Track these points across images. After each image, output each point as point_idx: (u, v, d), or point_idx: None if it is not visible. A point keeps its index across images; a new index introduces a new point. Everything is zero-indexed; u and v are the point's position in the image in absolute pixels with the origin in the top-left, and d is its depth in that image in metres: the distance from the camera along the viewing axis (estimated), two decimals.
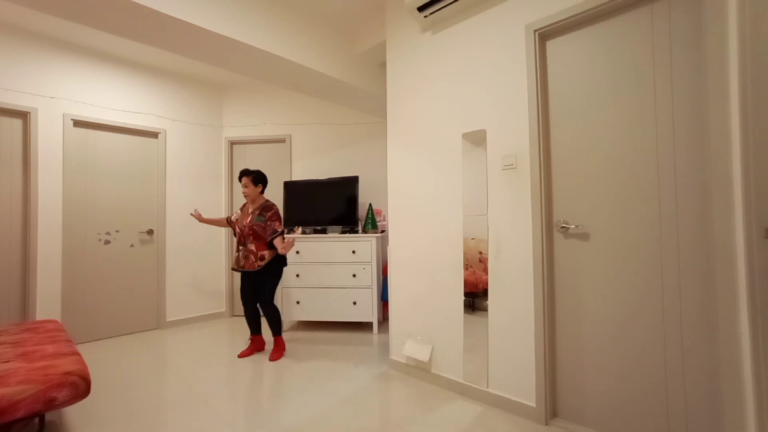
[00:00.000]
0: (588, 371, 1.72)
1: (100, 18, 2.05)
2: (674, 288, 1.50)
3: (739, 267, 1.32)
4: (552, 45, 1.86)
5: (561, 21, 1.76)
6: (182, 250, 3.77)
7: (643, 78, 1.59)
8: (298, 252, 3.43)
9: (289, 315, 3.43)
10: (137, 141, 3.54)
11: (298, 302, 3.41)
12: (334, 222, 3.60)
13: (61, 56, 3.11)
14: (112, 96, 3.37)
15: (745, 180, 1.30)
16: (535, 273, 1.83)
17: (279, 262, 2.84)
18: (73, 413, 1.96)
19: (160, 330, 3.55)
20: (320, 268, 3.39)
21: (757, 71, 1.29)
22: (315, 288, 3.39)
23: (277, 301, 3.45)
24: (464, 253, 2.13)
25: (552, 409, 1.82)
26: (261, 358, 2.74)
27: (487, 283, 2.03)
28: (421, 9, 2.17)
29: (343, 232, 3.49)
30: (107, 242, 3.34)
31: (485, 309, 2.03)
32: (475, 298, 2.08)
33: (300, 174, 4.03)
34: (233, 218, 2.94)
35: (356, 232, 3.52)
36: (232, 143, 4.15)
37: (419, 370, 2.34)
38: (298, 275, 3.42)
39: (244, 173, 2.83)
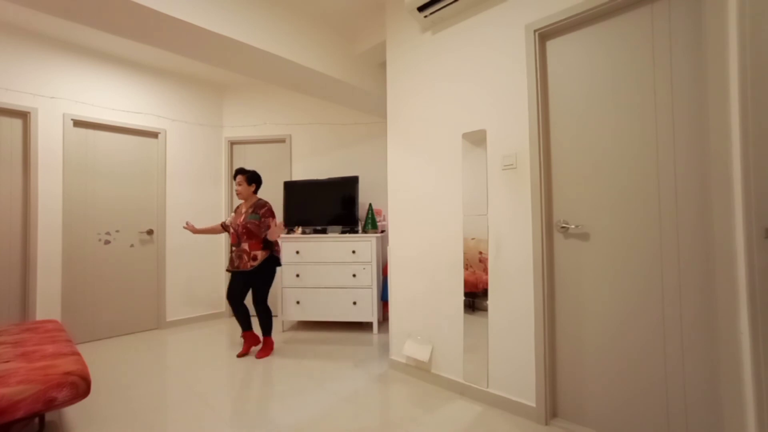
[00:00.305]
0: (588, 371, 1.72)
1: (100, 18, 2.05)
2: (674, 288, 1.50)
3: (739, 267, 1.32)
4: (552, 45, 1.86)
5: (561, 21, 1.76)
6: (182, 250, 3.77)
7: (643, 78, 1.59)
8: (298, 252, 3.43)
9: (289, 315, 3.43)
10: (137, 141, 3.54)
11: (298, 302, 3.41)
12: (334, 222, 3.60)
13: (61, 56, 3.11)
14: (112, 96, 3.37)
15: (745, 180, 1.30)
16: (535, 273, 1.83)
17: (272, 262, 2.85)
18: (73, 413, 1.96)
19: (160, 330, 3.55)
20: (320, 268, 3.39)
21: (757, 71, 1.29)
22: (315, 288, 3.39)
23: (277, 301, 3.45)
24: (464, 253, 2.13)
25: (552, 409, 1.82)
26: (261, 359, 2.74)
27: (487, 283, 2.03)
28: (421, 9, 2.17)
29: (343, 232, 3.49)
30: (107, 242, 3.33)
31: (485, 309, 2.03)
32: (475, 298, 2.08)
33: (300, 174, 4.03)
34: (228, 221, 2.95)
35: (356, 232, 3.52)
36: (232, 143, 4.15)
37: (419, 370, 2.34)
38: (298, 275, 3.42)
39: (240, 171, 2.86)
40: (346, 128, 3.98)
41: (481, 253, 2.06)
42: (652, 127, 1.56)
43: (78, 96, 3.18)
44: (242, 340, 2.97)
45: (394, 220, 2.56)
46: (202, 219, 3.93)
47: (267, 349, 2.83)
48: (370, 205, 3.56)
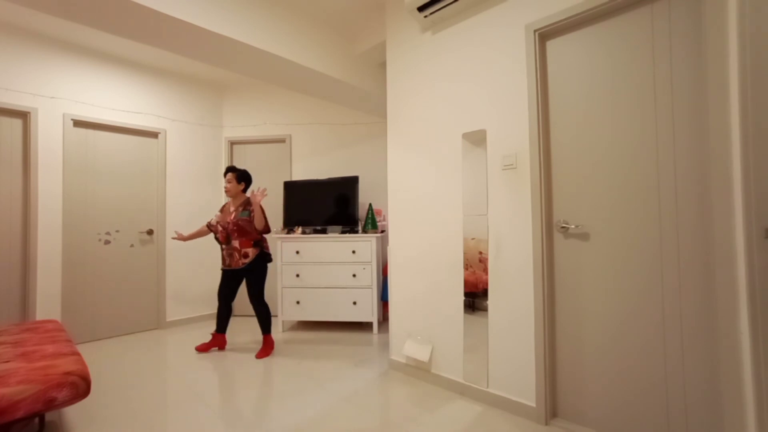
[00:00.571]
0: (588, 371, 1.72)
1: (100, 18, 2.04)
2: (674, 288, 1.50)
3: (739, 267, 1.32)
4: (552, 45, 1.86)
5: (561, 21, 1.75)
6: (182, 250, 3.77)
7: (643, 78, 1.59)
8: (298, 252, 3.43)
9: (289, 315, 3.43)
10: (137, 141, 3.54)
11: (298, 302, 3.41)
12: (334, 222, 3.60)
13: (61, 56, 3.11)
14: (112, 96, 3.37)
15: (745, 180, 1.30)
16: (535, 273, 1.83)
17: (263, 258, 2.86)
18: (73, 413, 1.96)
19: (160, 330, 3.55)
20: (320, 268, 3.39)
21: (757, 71, 1.29)
22: (315, 288, 3.39)
23: (277, 301, 3.45)
24: (464, 253, 2.13)
25: (552, 409, 1.82)
26: (261, 359, 2.74)
27: (487, 283, 2.03)
28: (421, 9, 2.17)
29: (343, 232, 3.49)
30: (107, 242, 3.33)
31: (485, 309, 2.03)
32: (475, 298, 2.08)
33: (300, 174, 4.03)
34: (213, 222, 2.95)
35: (356, 232, 3.52)
36: (232, 143, 4.15)
37: (419, 370, 2.34)
38: (298, 275, 3.42)
39: (230, 169, 2.88)
40: (346, 128, 3.98)
41: (481, 253, 2.06)
42: (652, 127, 1.56)
43: (78, 96, 3.18)
44: (211, 336, 2.97)
45: (394, 220, 2.56)
46: (202, 219, 3.93)
47: (267, 348, 2.83)
48: (370, 205, 3.56)
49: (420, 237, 2.38)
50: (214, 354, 2.85)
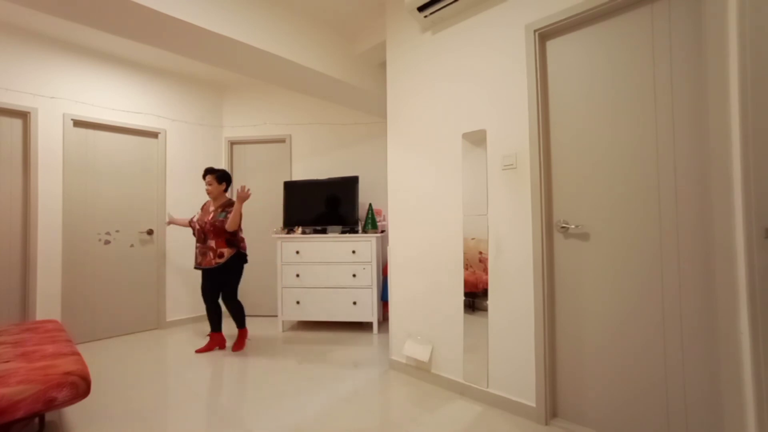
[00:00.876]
0: (588, 371, 1.72)
1: (100, 18, 2.05)
2: (674, 288, 1.50)
3: (739, 267, 1.32)
4: (552, 45, 1.86)
5: (561, 21, 1.75)
6: (182, 250, 3.77)
7: (643, 78, 1.59)
8: (298, 252, 3.43)
9: (289, 315, 3.43)
10: (137, 141, 3.54)
11: (298, 302, 3.41)
12: (334, 222, 3.60)
13: (61, 56, 3.11)
14: (112, 96, 3.37)
15: (745, 180, 1.30)
16: (535, 273, 1.83)
17: (238, 259, 2.88)
18: (73, 413, 1.96)
19: (160, 330, 3.55)
20: (320, 268, 3.39)
21: (757, 71, 1.29)
22: (315, 288, 3.39)
23: (277, 301, 3.45)
24: (464, 253, 2.13)
25: (552, 409, 1.82)
26: (261, 359, 2.74)
27: (487, 283, 2.03)
28: (421, 9, 2.17)
29: (343, 232, 3.49)
30: (107, 242, 3.33)
31: (485, 309, 2.03)
32: (475, 298, 2.08)
33: (300, 174, 4.03)
34: (195, 219, 2.97)
35: (356, 232, 3.52)
36: (232, 143, 4.15)
37: (419, 370, 2.34)
38: (298, 275, 3.42)
39: (208, 171, 2.89)
40: (346, 128, 3.98)
41: (481, 253, 2.06)
42: (652, 127, 1.56)
43: (78, 96, 3.18)
44: (208, 338, 2.99)
45: (394, 220, 2.56)
46: None
47: (241, 341, 2.93)
48: (370, 205, 3.56)
49: (420, 237, 2.38)
50: (214, 354, 2.85)
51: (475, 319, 2.07)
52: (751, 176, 1.29)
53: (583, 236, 1.75)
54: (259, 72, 2.80)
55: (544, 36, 1.88)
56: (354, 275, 3.32)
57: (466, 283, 2.12)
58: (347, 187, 3.58)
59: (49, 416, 1.91)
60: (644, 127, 1.58)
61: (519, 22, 1.92)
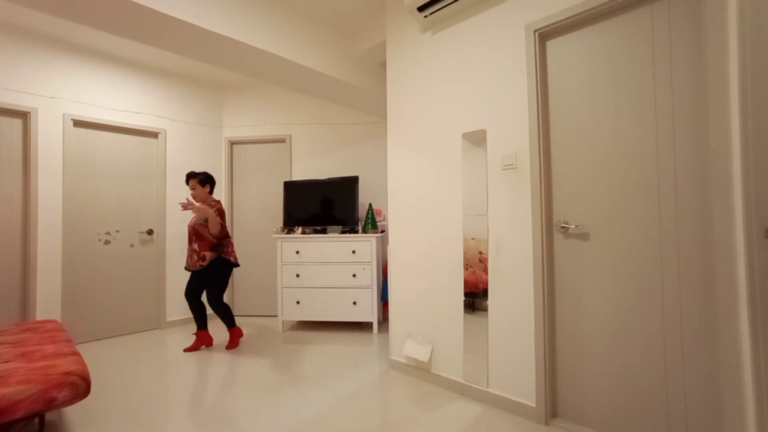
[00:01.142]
0: (588, 371, 1.72)
1: (100, 18, 2.05)
2: (674, 288, 1.50)
3: (739, 267, 1.32)
4: (552, 45, 1.86)
5: (561, 21, 1.75)
6: (182, 250, 3.77)
7: (643, 78, 1.59)
8: (298, 252, 3.43)
9: (289, 315, 3.43)
10: (137, 141, 3.54)
11: (298, 302, 3.41)
12: (334, 222, 3.60)
13: (61, 56, 3.11)
14: (112, 96, 3.37)
15: (745, 180, 1.30)
16: (535, 273, 1.83)
17: (222, 264, 2.89)
18: (73, 413, 1.96)
19: (160, 330, 3.55)
20: (320, 268, 3.39)
21: (757, 71, 1.29)
22: (315, 288, 3.39)
23: (277, 301, 3.44)
24: (464, 253, 2.13)
25: (552, 409, 1.82)
26: (261, 359, 2.74)
27: (487, 283, 2.03)
28: (421, 9, 2.17)
29: (343, 232, 3.49)
30: (107, 242, 3.33)
31: (485, 309, 2.03)
32: (475, 298, 2.08)
33: (300, 174, 4.03)
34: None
35: (356, 232, 3.52)
36: (232, 143, 4.15)
37: (419, 370, 2.34)
38: (298, 275, 3.42)
39: (190, 176, 2.91)
40: (346, 128, 3.98)
41: (481, 253, 2.06)
42: (652, 127, 1.56)
43: (78, 96, 3.18)
44: (195, 336, 3.01)
45: (394, 220, 2.56)
46: None
47: (235, 340, 2.96)
48: (370, 205, 3.56)
49: (420, 237, 2.38)
50: (214, 354, 2.85)
51: (475, 319, 2.07)
52: (751, 176, 1.29)
53: (583, 236, 1.75)
54: (259, 72, 2.80)
55: (544, 36, 1.88)
56: (354, 275, 3.32)
57: (466, 283, 2.12)
58: (347, 187, 3.58)
59: (49, 416, 1.91)
60: (644, 127, 1.58)
61: (519, 22, 1.92)
